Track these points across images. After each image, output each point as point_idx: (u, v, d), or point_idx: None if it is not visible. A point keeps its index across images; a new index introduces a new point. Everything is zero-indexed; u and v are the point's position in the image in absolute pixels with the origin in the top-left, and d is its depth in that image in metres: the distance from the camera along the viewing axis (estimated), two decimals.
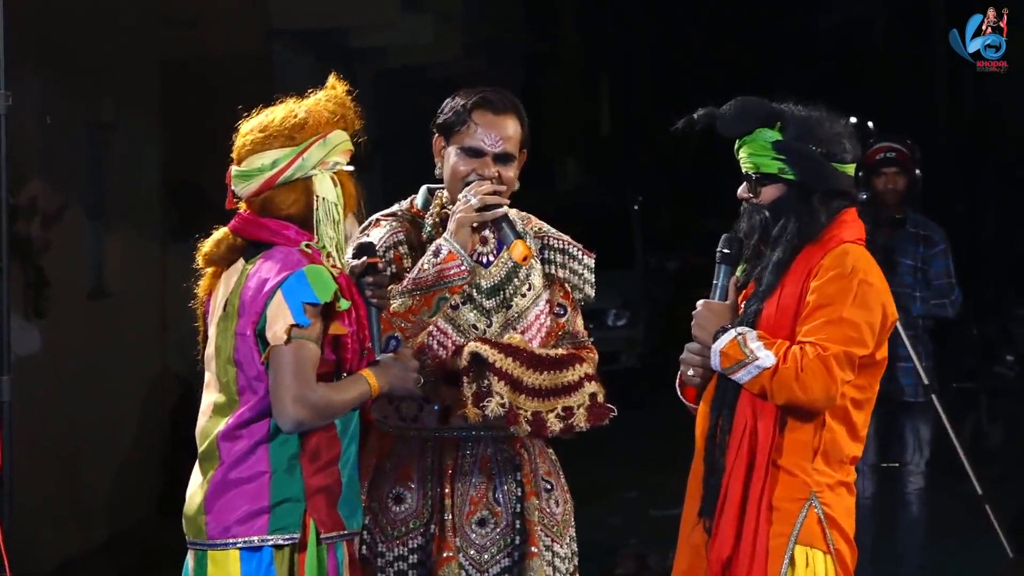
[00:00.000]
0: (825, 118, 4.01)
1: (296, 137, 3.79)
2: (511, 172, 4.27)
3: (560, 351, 4.27)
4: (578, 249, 4.42)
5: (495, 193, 4.19)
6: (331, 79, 3.96)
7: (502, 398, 4.08)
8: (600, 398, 4.22)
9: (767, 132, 3.99)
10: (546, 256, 4.40)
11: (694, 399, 4.12)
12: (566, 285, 4.40)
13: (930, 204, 7.72)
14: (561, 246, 4.41)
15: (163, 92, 10.35)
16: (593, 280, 4.43)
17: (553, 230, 4.45)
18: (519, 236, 4.21)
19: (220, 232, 3.89)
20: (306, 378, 3.67)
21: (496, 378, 4.08)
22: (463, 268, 4.14)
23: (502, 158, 4.25)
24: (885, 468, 7.29)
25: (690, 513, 4.03)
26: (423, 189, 4.41)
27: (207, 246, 3.89)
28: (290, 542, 3.72)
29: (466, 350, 4.12)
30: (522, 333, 4.25)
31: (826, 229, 3.96)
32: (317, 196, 3.79)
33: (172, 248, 10.00)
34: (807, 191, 3.95)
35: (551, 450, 4.42)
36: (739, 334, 3.89)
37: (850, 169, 4.01)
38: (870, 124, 7.71)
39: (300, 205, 3.80)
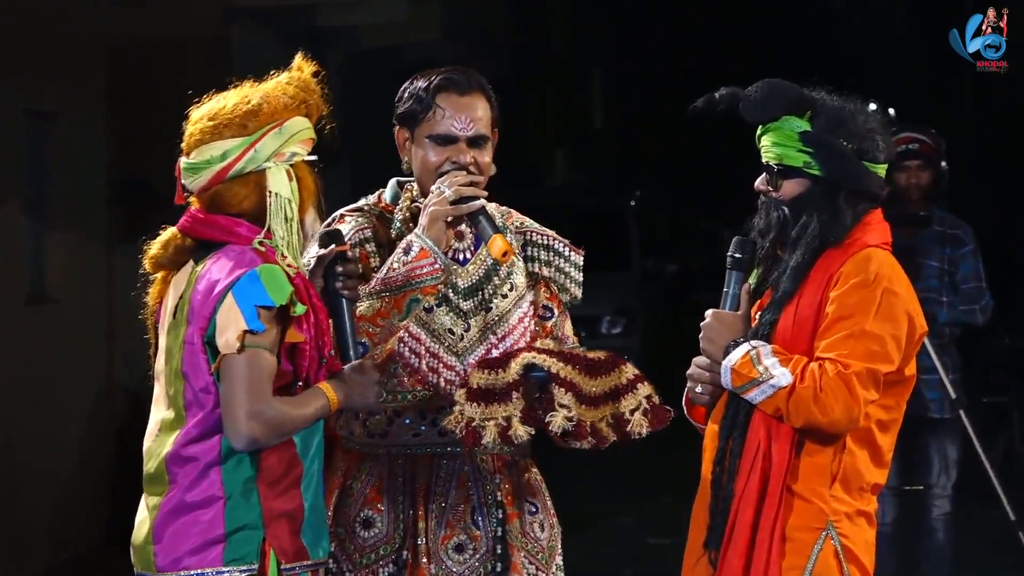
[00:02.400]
0: (859, 111, 3.98)
1: (249, 126, 3.76)
2: (486, 156, 4.26)
3: (599, 353, 4.20)
4: (564, 245, 4.40)
5: (472, 184, 4.17)
6: (297, 59, 3.94)
7: (569, 411, 4.02)
8: (656, 399, 4.16)
9: (795, 121, 3.95)
10: (529, 253, 4.38)
11: (702, 419, 4.10)
12: (551, 285, 4.38)
13: (958, 202, 7.70)
14: (545, 242, 4.39)
15: (110, 78, 10.31)
16: (581, 279, 4.41)
17: (536, 225, 4.43)
18: (498, 230, 4.17)
19: (168, 233, 3.87)
20: (262, 391, 3.64)
21: (562, 389, 4.03)
22: (436, 267, 4.11)
23: (475, 142, 4.23)
24: (908, 491, 7.29)
25: (694, 544, 4.00)
26: (392, 182, 4.39)
27: (154, 249, 3.87)
28: (248, 574, 3.69)
29: (517, 362, 4.05)
30: (503, 338, 4.23)
31: (849, 232, 3.93)
32: (270, 191, 3.76)
33: (120, 249, 9.96)
34: (833, 189, 3.92)
35: (536, 469, 4.39)
36: (752, 349, 3.86)
37: (882, 170, 3.98)
38: (891, 112, 7.68)
39: (253, 200, 3.78)
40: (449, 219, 4.16)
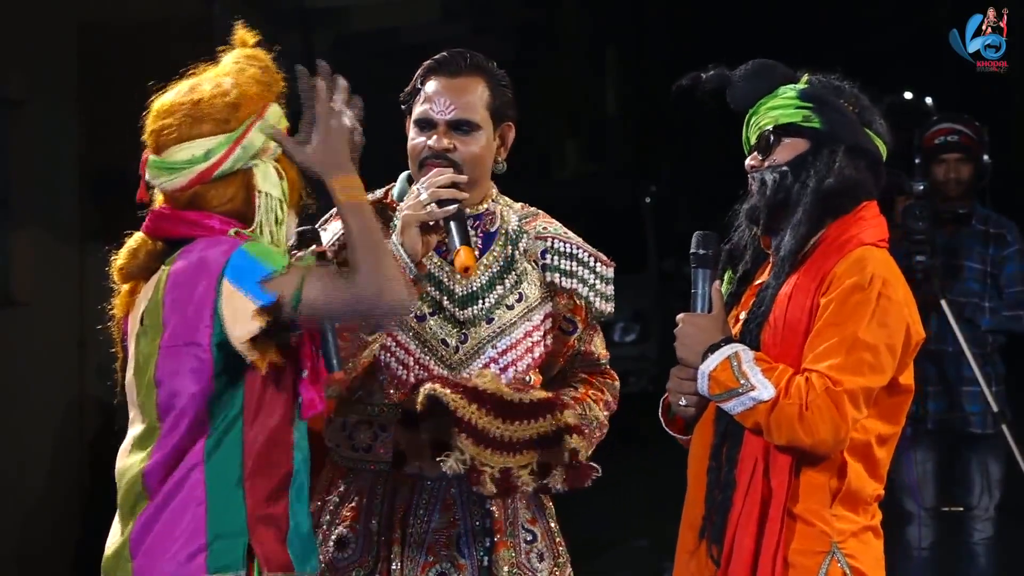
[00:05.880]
0: (856, 88, 4.04)
1: (231, 120, 3.72)
2: (474, 146, 4.21)
3: (537, 395, 4.17)
4: (590, 256, 4.37)
5: (453, 185, 4.12)
6: (238, 32, 3.87)
7: (462, 453, 4.02)
8: (581, 456, 4.15)
9: (791, 87, 4.00)
10: (549, 261, 4.34)
11: (682, 429, 4.11)
12: (575, 298, 4.35)
13: (1002, 197, 7.71)
14: (569, 250, 4.35)
15: (82, 62, 10.31)
16: (610, 294, 4.38)
17: (562, 230, 4.40)
18: (467, 242, 4.09)
19: (135, 239, 3.82)
20: (340, 288, 3.58)
21: (456, 429, 4.02)
22: (407, 277, 4.00)
23: (457, 126, 4.20)
24: (947, 513, 7.28)
25: (683, 569, 4.00)
26: (402, 176, 4.36)
27: (122, 258, 3.81)
28: None
29: (422, 392, 4.05)
30: (504, 352, 4.23)
31: (844, 226, 3.93)
32: (260, 191, 3.73)
33: (92, 249, 9.94)
34: (832, 143, 3.94)
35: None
36: (732, 352, 3.85)
37: (881, 145, 4.00)
38: (928, 101, 7.71)
39: (238, 201, 3.74)
40: (431, 223, 4.12)
